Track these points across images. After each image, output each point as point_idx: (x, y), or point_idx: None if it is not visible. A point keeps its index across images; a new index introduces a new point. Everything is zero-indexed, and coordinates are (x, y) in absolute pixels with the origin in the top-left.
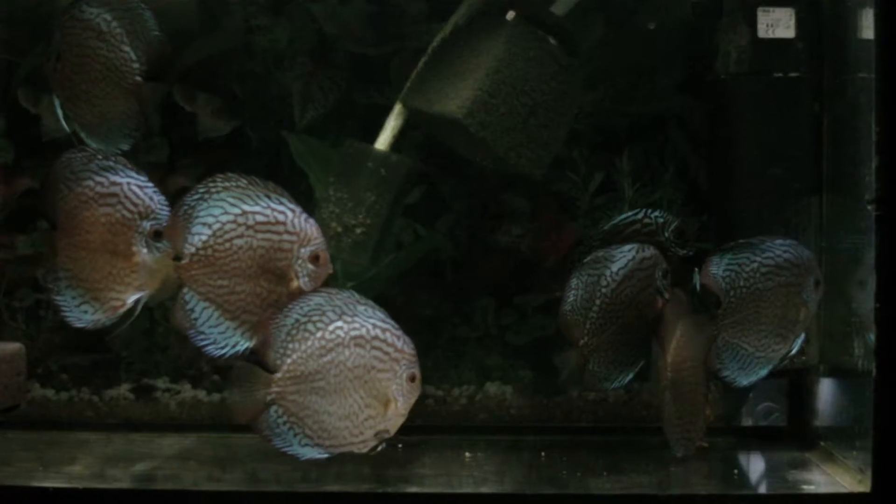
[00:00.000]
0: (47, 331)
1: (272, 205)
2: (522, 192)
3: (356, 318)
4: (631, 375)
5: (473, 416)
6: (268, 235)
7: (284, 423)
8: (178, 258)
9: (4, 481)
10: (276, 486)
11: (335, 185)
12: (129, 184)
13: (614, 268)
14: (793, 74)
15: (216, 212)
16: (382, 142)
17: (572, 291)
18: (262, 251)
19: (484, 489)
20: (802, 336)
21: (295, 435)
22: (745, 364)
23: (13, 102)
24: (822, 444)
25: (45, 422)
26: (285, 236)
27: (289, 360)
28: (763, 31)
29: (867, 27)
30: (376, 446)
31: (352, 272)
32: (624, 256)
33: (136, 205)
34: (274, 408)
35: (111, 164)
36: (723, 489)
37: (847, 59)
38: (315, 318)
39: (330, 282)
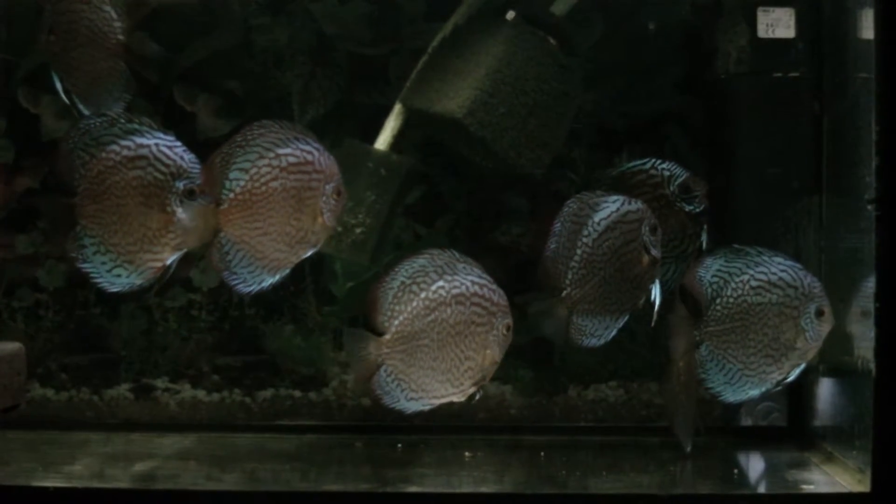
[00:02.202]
0: (47, 330)
1: (301, 146)
2: (522, 191)
3: (456, 277)
4: (614, 332)
5: (473, 415)
6: (299, 176)
7: (393, 381)
8: (217, 204)
9: (4, 481)
10: (275, 485)
11: None
12: (157, 145)
13: (597, 217)
14: (793, 74)
15: (252, 157)
16: (382, 142)
17: (555, 238)
18: (295, 191)
19: (484, 489)
20: (803, 365)
21: (402, 391)
22: (732, 379)
23: (13, 102)
24: (821, 443)
25: (45, 421)
26: (314, 175)
27: (396, 322)
28: (763, 31)
29: (867, 27)
30: (474, 394)
31: (352, 272)
32: (608, 207)
33: (167, 165)
34: (384, 368)
35: (135, 126)
36: (723, 489)
37: (847, 59)
38: (419, 280)
39: (330, 281)
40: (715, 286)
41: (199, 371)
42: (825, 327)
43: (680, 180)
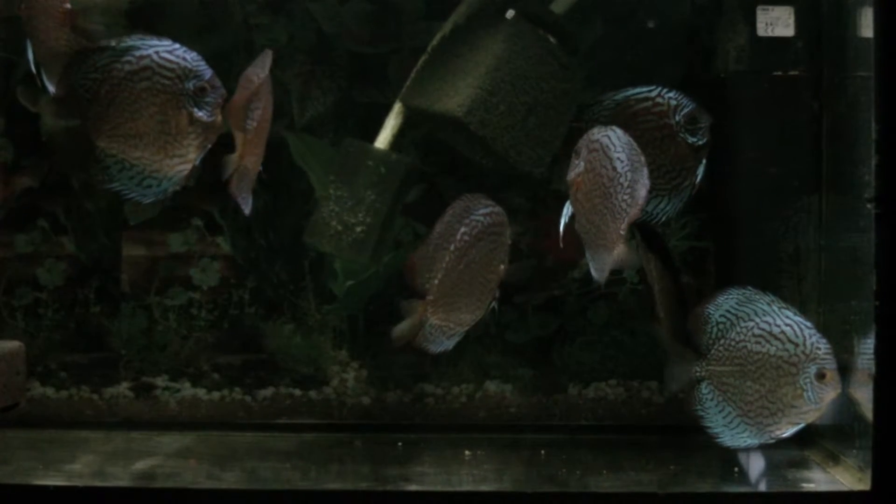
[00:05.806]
0: (47, 329)
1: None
2: (522, 190)
3: (471, 217)
4: None
5: (473, 414)
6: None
7: (437, 329)
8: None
9: (4, 480)
10: (275, 484)
11: (335, 183)
12: (157, 52)
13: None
14: (792, 73)
15: (266, 91)
16: (382, 140)
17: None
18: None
19: (483, 487)
20: (801, 425)
21: (444, 334)
22: (730, 424)
23: (12, 101)
24: (821, 442)
25: (45, 420)
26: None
27: (436, 281)
28: (762, 30)
29: (866, 26)
30: (493, 309)
31: (352, 270)
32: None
33: (172, 70)
34: (428, 324)
35: (128, 42)
36: (723, 487)
37: (846, 57)
38: (447, 235)
39: (330, 279)
40: (721, 326)
41: (199, 369)
42: (828, 392)
43: (686, 110)
